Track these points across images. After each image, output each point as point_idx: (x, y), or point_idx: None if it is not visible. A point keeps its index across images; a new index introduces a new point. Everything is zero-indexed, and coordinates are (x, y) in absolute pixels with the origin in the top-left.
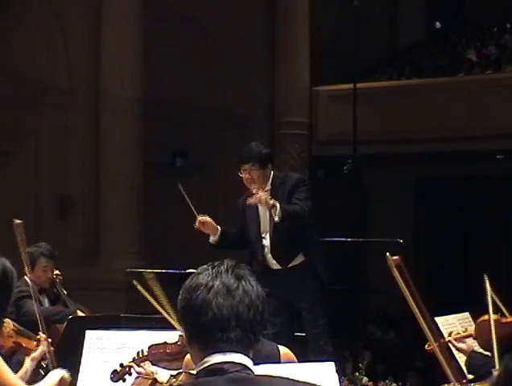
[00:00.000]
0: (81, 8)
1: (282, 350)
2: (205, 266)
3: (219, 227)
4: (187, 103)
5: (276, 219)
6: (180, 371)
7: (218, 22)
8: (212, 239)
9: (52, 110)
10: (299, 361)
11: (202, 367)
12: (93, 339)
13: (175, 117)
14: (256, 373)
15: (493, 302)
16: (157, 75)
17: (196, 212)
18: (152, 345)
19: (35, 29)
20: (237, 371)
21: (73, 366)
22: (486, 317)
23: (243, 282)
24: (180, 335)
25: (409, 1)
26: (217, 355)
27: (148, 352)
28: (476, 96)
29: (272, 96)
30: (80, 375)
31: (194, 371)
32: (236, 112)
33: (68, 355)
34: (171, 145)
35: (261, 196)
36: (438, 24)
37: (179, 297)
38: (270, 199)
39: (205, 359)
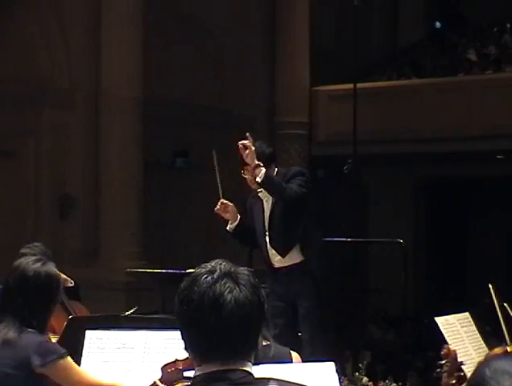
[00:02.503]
0: (81, 8)
1: (295, 355)
2: (200, 270)
3: (239, 216)
4: (188, 103)
5: (258, 179)
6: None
7: (218, 22)
8: (229, 226)
9: (52, 110)
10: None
11: (200, 373)
12: (93, 339)
13: (175, 117)
14: (256, 376)
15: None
16: (157, 75)
17: (221, 192)
18: (164, 365)
19: (35, 29)
20: (239, 377)
21: None
22: (497, 350)
23: (237, 290)
24: None
25: (409, 1)
26: (216, 362)
27: (162, 373)
28: (476, 96)
29: (272, 96)
30: None
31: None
32: (236, 112)
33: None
34: (171, 145)
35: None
36: (438, 24)
37: (175, 303)
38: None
39: (202, 366)
